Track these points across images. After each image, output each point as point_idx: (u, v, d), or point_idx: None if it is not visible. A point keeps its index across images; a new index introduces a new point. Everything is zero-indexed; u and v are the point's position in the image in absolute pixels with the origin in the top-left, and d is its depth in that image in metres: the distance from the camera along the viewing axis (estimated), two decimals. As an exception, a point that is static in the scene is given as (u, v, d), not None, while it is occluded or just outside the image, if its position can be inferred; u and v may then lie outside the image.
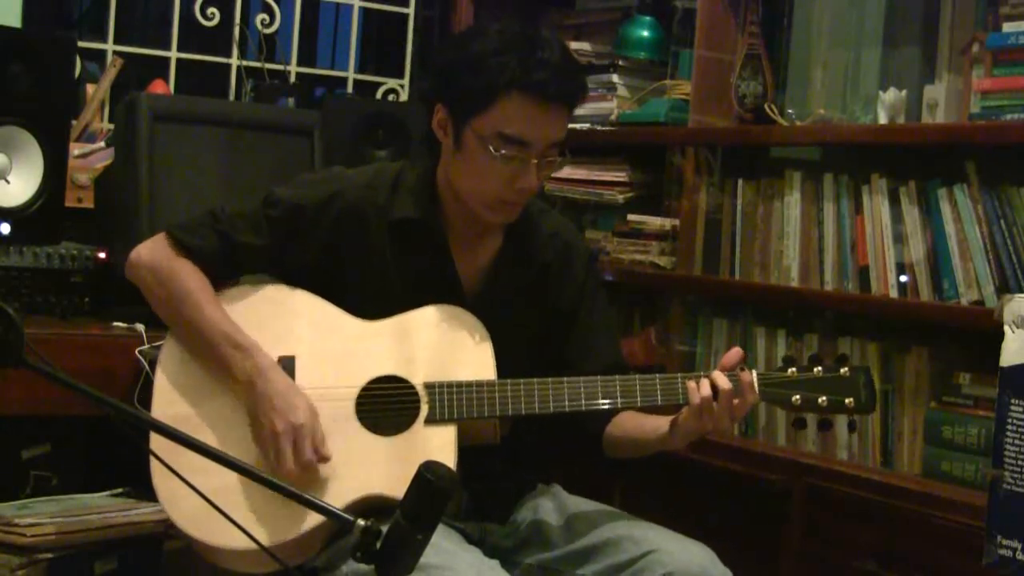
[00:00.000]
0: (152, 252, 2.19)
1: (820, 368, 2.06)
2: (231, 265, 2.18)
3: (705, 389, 2.01)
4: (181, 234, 2.18)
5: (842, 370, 2.06)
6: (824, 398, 2.04)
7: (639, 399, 2.07)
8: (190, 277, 2.14)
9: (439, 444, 2.03)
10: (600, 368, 2.22)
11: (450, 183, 2.16)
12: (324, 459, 2.02)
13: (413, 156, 2.84)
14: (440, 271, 2.18)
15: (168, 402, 2.12)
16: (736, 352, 2.06)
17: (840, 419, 2.14)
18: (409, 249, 2.18)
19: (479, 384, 2.07)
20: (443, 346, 2.11)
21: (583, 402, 2.07)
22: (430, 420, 2.06)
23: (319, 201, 2.17)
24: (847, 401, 2.04)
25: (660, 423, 2.12)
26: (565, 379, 2.08)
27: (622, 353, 2.34)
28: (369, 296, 2.16)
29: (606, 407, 2.09)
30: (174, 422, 1.99)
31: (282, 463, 2.00)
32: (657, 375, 2.08)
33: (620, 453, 2.25)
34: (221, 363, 2.09)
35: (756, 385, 2.04)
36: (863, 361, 2.66)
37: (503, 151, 2.05)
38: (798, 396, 2.04)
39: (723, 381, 2.01)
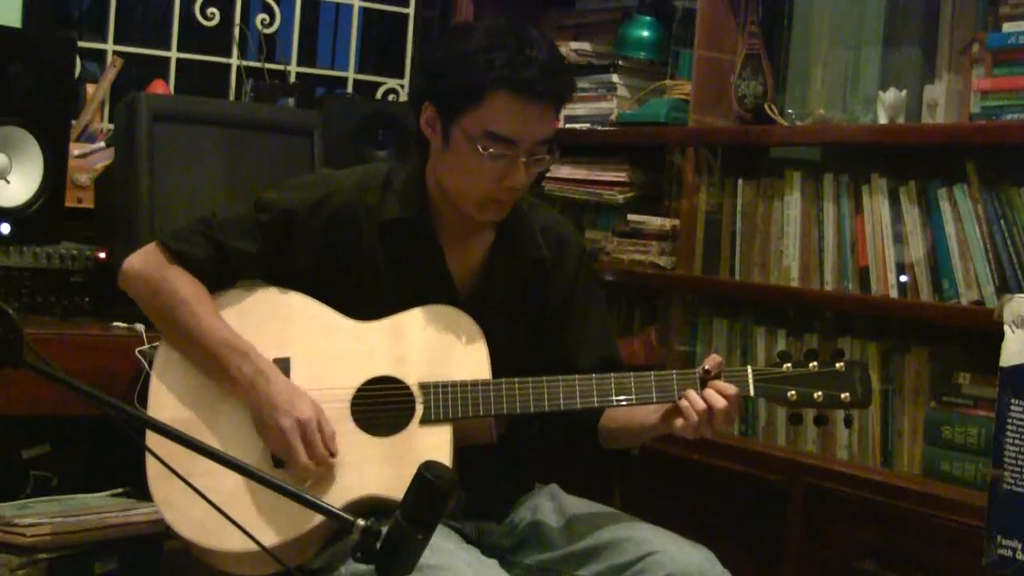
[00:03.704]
0: (144, 262, 2.18)
1: (815, 363, 2.06)
2: (225, 271, 2.17)
3: (699, 404, 2.01)
4: (173, 242, 2.16)
5: (837, 365, 2.05)
6: (820, 393, 2.04)
7: (635, 397, 2.07)
8: (183, 284, 2.13)
9: (435, 444, 2.03)
10: (595, 362, 2.22)
11: (439, 182, 2.16)
12: (334, 454, 2.02)
13: (413, 156, 2.84)
14: (432, 270, 2.18)
15: (162, 407, 2.11)
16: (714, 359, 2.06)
17: (836, 414, 2.13)
18: (401, 249, 2.17)
19: (474, 384, 2.07)
20: (438, 346, 2.11)
21: (578, 400, 2.07)
22: (425, 420, 2.06)
23: (310, 204, 2.16)
24: (843, 396, 2.04)
25: (650, 412, 2.12)
26: (560, 378, 2.08)
27: (617, 347, 2.34)
28: (362, 297, 2.15)
29: (602, 405, 2.09)
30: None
31: (295, 459, 2.00)
32: (652, 372, 2.08)
33: (615, 443, 2.25)
34: (219, 368, 2.08)
35: (751, 381, 2.04)
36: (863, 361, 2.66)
37: (491, 150, 2.04)
38: (794, 391, 2.04)
39: (717, 400, 2.01)
